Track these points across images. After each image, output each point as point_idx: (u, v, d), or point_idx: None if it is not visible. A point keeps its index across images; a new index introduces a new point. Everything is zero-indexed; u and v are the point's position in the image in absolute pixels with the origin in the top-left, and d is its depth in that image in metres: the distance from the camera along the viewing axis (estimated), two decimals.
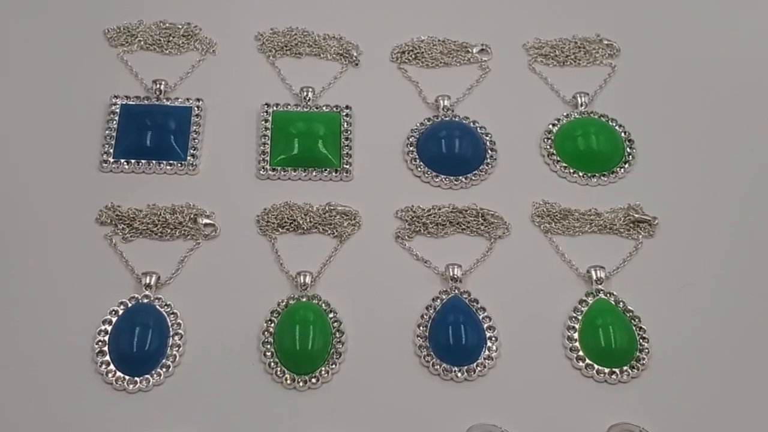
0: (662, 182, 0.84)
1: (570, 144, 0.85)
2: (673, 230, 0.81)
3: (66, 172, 0.82)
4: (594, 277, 0.78)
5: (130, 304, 0.75)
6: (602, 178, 0.84)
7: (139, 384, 0.71)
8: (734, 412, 0.72)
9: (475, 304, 0.77)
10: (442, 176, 0.84)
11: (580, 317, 0.76)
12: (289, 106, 0.87)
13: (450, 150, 0.85)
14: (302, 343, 0.74)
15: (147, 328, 0.73)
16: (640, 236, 0.81)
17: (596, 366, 0.73)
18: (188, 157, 0.84)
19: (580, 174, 0.84)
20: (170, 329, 0.74)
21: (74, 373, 0.71)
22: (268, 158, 0.84)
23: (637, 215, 0.82)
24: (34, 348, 0.72)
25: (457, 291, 0.77)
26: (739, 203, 0.83)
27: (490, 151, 0.86)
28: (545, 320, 0.76)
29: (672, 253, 0.80)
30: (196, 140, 0.85)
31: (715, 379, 0.73)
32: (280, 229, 0.81)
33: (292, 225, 0.81)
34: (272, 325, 0.75)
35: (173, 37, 0.91)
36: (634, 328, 0.75)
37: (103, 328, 0.74)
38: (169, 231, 0.80)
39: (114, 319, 0.74)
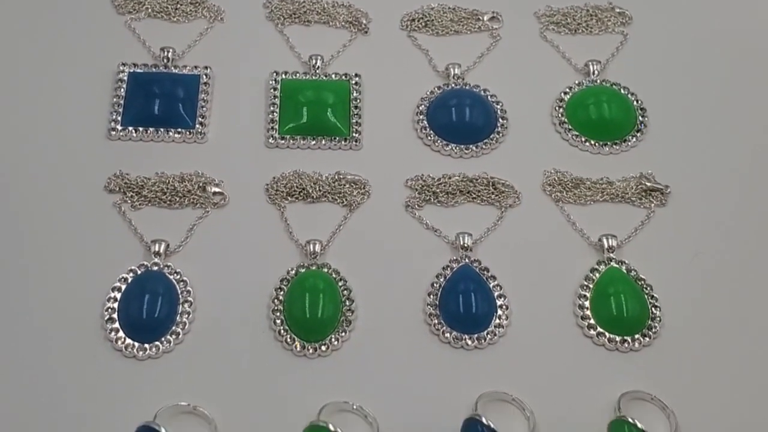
0: (675, 151, 0.84)
1: (582, 112, 0.85)
2: (685, 199, 0.81)
3: (74, 140, 0.82)
4: (606, 246, 0.77)
5: (139, 272, 0.75)
6: (614, 146, 0.84)
7: (149, 351, 0.71)
8: (745, 380, 0.71)
9: (485, 272, 0.76)
10: (453, 145, 0.83)
11: (591, 286, 0.75)
12: (297, 75, 0.87)
13: (460, 118, 0.84)
14: (312, 311, 0.73)
15: (157, 295, 0.73)
16: (652, 205, 0.80)
17: (608, 334, 0.73)
18: (197, 126, 0.83)
19: (592, 142, 0.84)
20: (180, 297, 0.74)
21: (84, 340, 0.71)
22: (276, 127, 0.84)
23: (649, 184, 0.81)
24: (44, 315, 0.72)
25: (467, 260, 0.77)
26: (752, 172, 0.82)
27: (500, 120, 0.85)
28: (556, 289, 0.76)
29: (684, 222, 0.79)
30: (204, 108, 0.84)
31: (726, 348, 0.73)
32: (289, 198, 0.80)
33: (302, 194, 0.80)
34: (282, 293, 0.75)
35: (181, 5, 0.90)
36: (645, 296, 0.75)
37: (112, 295, 0.73)
38: (177, 199, 0.79)
39: (123, 287, 0.74)
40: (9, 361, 0.70)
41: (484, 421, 0.66)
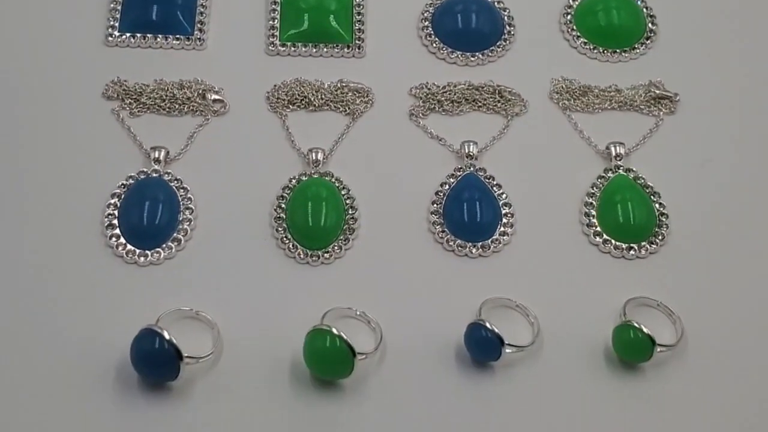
0: (684, 58, 0.82)
1: (590, 19, 0.83)
2: (694, 107, 0.79)
3: (71, 46, 0.80)
4: (613, 153, 0.76)
5: (139, 179, 0.73)
6: (623, 54, 0.82)
7: (150, 257, 0.70)
8: (751, 287, 0.70)
9: (490, 180, 0.75)
10: (458, 52, 0.82)
11: (598, 193, 0.74)
12: None
13: (466, 25, 0.82)
14: (315, 218, 0.72)
15: (157, 201, 0.72)
16: (661, 113, 0.79)
17: (614, 241, 0.72)
18: (195, 32, 0.81)
19: (601, 50, 0.82)
20: (181, 204, 0.73)
21: (85, 247, 0.71)
22: (277, 34, 0.82)
23: (658, 91, 0.79)
24: (43, 223, 0.71)
25: (472, 168, 0.76)
26: (763, 79, 0.80)
27: (507, 27, 0.83)
28: (562, 197, 0.75)
29: (693, 130, 0.78)
30: (203, 14, 0.82)
31: (733, 255, 0.72)
32: (290, 106, 0.79)
33: (303, 102, 0.79)
34: (284, 201, 0.74)
35: None
36: (653, 204, 0.74)
37: (112, 201, 0.72)
38: (177, 106, 0.78)
39: (123, 193, 0.73)
40: (10, 267, 0.69)
41: (487, 325, 0.65)
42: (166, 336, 0.63)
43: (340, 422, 0.64)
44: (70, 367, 0.65)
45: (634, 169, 0.76)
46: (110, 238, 0.71)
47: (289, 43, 0.81)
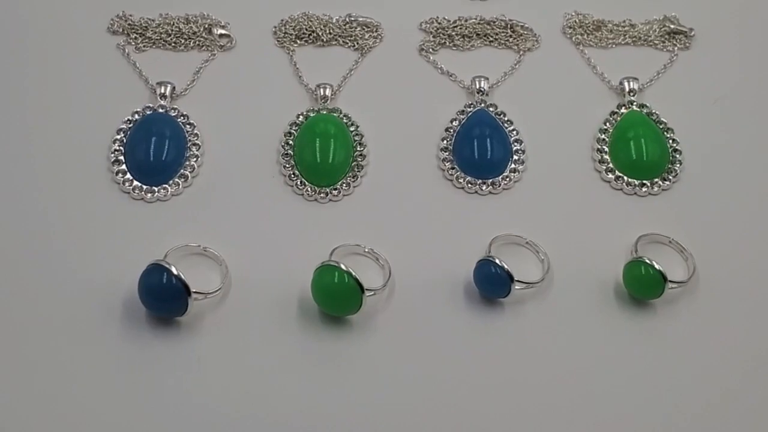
0: None
1: None
2: (709, 42, 0.78)
3: None
4: (627, 89, 0.74)
5: (145, 114, 0.73)
6: None
7: (157, 193, 0.70)
8: (764, 224, 0.69)
9: (501, 117, 0.74)
10: None
11: (610, 129, 0.73)
12: None
13: None
14: (323, 155, 0.71)
15: (164, 137, 0.71)
16: (676, 48, 0.77)
17: (626, 178, 0.71)
18: None
19: None
20: (187, 140, 0.72)
21: (91, 183, 0.70)
22: None
23: (673, 26, 0.78)
24: (50, 158, 0.71)
25: (483, 104, 0.75)
26: None
27: None
28: (574, 133, 0.74)
29: (708, 66, 0.77)
30: None
31: (746, 192, 0.71)
32: (298, 41, 0.78)
33: (311, 37, 0.78)
34: (291, 137, 0.73)
35: None
36: (666, 140, 0.72)
37: (118, 137, 0.72)
38: (183, 41, 0.77)
39: (129, 129, 0.72)
40: (17, 205, 0.69)
41: (497, 261, 0.64)
42: (174, 271, 0.62)
43: (349, 358, 0.63)
44: (78, 303, 0.65)
45: (647, 104, 0.74)
46: (117, 174, 0.70)
47: None
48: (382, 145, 0.73)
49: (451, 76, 0.76)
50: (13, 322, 0.64)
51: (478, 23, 0.78)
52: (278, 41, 0.77)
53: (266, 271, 0.67)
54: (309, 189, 0.71)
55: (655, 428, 0.61)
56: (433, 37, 0.78)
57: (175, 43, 0.76)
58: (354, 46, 0.78)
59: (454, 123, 0.74)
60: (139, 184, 0.70)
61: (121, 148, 0.71)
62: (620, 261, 0.67)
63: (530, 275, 0.66)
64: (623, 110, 0.74)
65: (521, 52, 0.77)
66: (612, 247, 0.68)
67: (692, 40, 0.78)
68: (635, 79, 0.75)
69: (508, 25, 0.78)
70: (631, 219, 0.69)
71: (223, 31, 0.77)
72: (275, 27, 0.78)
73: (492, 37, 0.78)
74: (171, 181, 0.70)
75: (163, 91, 0.73)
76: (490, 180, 0.71)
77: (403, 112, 0.75)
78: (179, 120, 0.73)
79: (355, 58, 0.77)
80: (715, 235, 0.69)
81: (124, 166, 0.70)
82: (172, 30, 0.77)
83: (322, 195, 0.71)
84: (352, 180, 0.71)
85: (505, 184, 0.71)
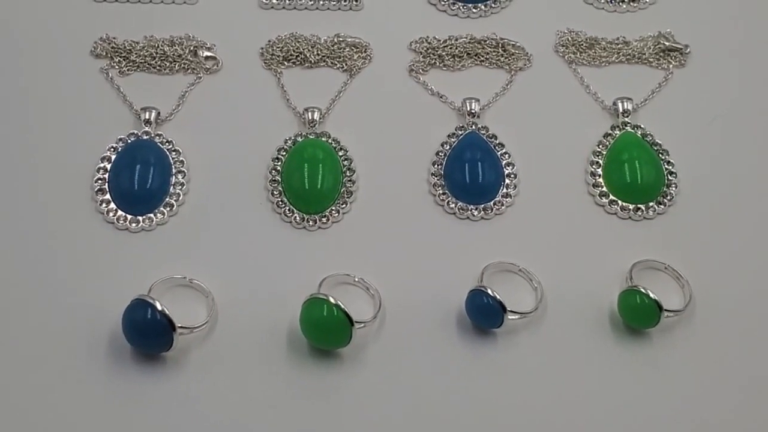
0: (695, 8, 0.79)
1: None
2: (705, 59, 0.77)
3: (57, 1, 0.77)
4: (620, 110, 0.73)
5: (129, 141, 0.71)
6: (631, 3, 0.79)
7: (142, 223, 0.68)
8: (761, 249, 0.68)
9: (493, 140, 0.73)
10: (460, 4, 0.79)
11: (604, 152, 0.72)
12: None
13: None
14: (311, 181, 0.70)
15: (148, 165, 0.70)
16: (671, 66, 0.76)
17: (620, 202, 0.70)
18: None
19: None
20: (172, 167, 0.71)
21: (74, 212, 0.69)
22: None
23: (667, 43, 0.76)
24: (32, 186, 0.69)
25: (474, 126, 0.73)
26: None
27: None
28: (567, 156, 0.72)
29: (703, 84, 0.75)
30: None
31: (743, 216, 0.70)
32: (285, 63, 0.76)
33: (299, 58, 0.76)
34: (279, 163, 0.71)
35: None
36: (661, 162, 0.71)
37: (102, 165, 0.70)
38: (168, 64, 0.75)
39: (113, 157, 0.70)
40: None
41: (489, 292, 0.63)
42: (159, 306, 0.61)
43: (339, 392, 0.62)
44: (60, 336, 0.63)
45: (642, 125, 0.73)
46: (101, 203, 0.69)
47: None
48: (371, 169, 0.72)
49: (441, 97, 0.75)
50: None
51: (469, 42, 0.77)
52: (265, 63, 0.76)
53: (254, 302, 0.65)
54: (297, 216, 0.69)
55: None
56: (423, 56, 0.77)
57: (159, 66, 0.75)
58: (343, 67, 0.76)
59: (444, 146, 0.72)
60: (124, 214, 0.68)
61: (105, 176, 0.70)
62: (615, 288, 0.66)
63: (523, 304, 0.65)
64: (617, 132, 0.72)
65: (513, 72, 0.76)
66: (607, 273, 0.67)
67: (688, 57, 0.76)
68: (629, 99, 0.73)
69: (499, 44, 0.77)
70: (626, 244, 0.68)
71: (209, 54, 0.76)
72: (262, 48, 0.76)
73: (483, 56, 0.77)
74: (156, 210, 0.69)
75: (147, 116, 0.72)
76: (482, 205, 0.70)
77: (393, 134, 0.73)
78: (164, 146, 0.71)
79: (343, 80, 0.76)
80: (712, 260, 0.67)
81: (108, 196, 0.69)
82: (156, 53, 0.75)
83: (310, 222, 0.69)
84: (342, 207, 0.70)
85: (497, 209, 0.70)
